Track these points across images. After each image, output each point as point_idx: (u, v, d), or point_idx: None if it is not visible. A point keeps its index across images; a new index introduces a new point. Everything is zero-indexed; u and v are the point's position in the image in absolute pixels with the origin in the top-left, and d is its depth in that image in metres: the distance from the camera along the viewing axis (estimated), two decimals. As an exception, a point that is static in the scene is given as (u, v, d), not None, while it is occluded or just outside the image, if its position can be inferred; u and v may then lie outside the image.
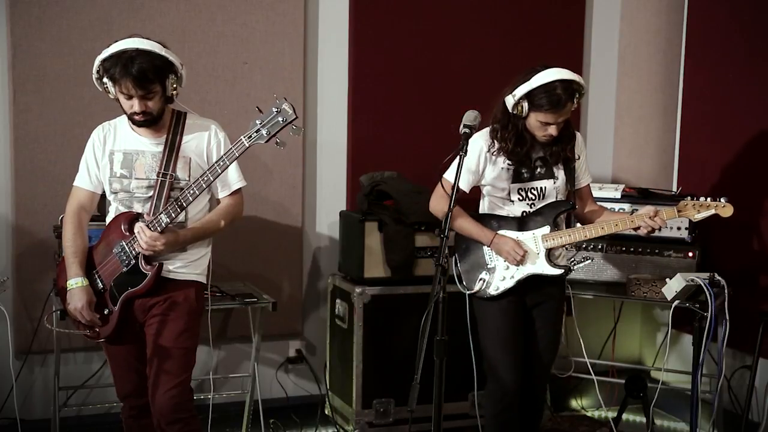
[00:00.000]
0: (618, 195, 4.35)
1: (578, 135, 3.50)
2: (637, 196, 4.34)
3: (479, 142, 3.42)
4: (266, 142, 2.98)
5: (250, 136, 2.97)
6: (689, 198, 3.37)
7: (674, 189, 4.70)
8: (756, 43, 4.27)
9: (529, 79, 3.26)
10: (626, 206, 4.30)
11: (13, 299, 4.08)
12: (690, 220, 4.13)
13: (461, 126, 3.12)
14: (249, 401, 4.21)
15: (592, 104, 5.04)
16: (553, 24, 4.87)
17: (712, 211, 3.33)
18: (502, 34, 4.75)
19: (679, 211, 3.35)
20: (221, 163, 3.03)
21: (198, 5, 4.28)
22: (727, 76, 4.42)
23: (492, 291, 3.42)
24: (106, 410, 4.19)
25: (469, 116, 3.13)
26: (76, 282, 3.14)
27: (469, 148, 3.35)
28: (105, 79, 3.01)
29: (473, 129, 3.12)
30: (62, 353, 3.96)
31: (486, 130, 3.44)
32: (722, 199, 3.34)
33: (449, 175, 3.40)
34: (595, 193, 3.95)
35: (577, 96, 3.30)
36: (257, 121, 2.97)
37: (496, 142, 3.38)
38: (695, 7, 4.66)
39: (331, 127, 4.58)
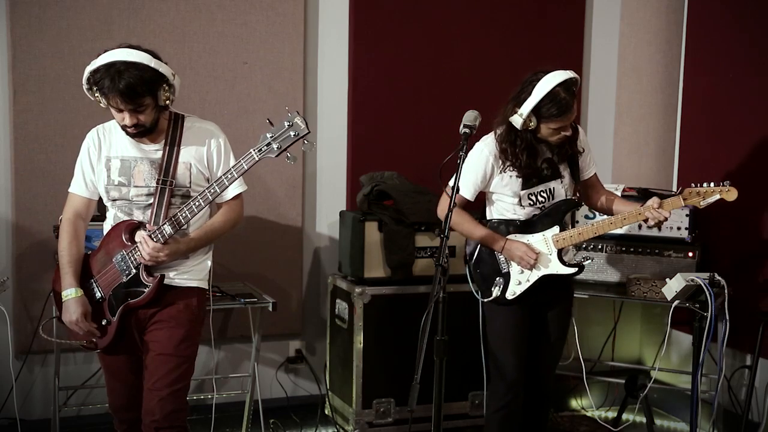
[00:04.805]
0: (618, 195, 4.34)
1: (580, 129, 3.48)
2: (637, 195, 4.33)
3: (484, 151, 3.38)
4: (276, 156, 2.86)
5: (261, 150, 2.85)
6: (693, 185, 3.33)
7: (674, 189, 4.70)
8: (756, 43, 4.26)
9: (530, 92, 3.21)
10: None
11: (13, 299, 4.08)
12: (689, 218, 4.19)
13: (461, 126, 3.10)
14: (249, 401, 4.21)
15: (592, 104, 5.04)
16: (553, 24, 4.87)
17: (717, 196, 3.29)
18: (502, 33, 4.75)
19: (684, 199, 3.32)
20: (229, 176, 2.92)
21: (198, 5, 4.28)
22: (727, 76, 4.42)
23: (509, 296, 3.42)
24: (106, 410, 4.10)
25: (469, 116, 3.10)
26: (70, 293, 3.04)
27: (474, 158, 3.35)
28: (95, 89, 2.88)
29: (473, 129, 3.08)
30: (62, 353, 3.97)
31: (490, 138, 3.39)
32: (726, 183, 3.30)
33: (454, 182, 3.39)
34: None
35: (575, 90, 3.28)
36: (268, 135, 2.84)
37: (506, 160, 3.33)
38: (695, 7, 4.66)
39: (331, 127, 4.58)
